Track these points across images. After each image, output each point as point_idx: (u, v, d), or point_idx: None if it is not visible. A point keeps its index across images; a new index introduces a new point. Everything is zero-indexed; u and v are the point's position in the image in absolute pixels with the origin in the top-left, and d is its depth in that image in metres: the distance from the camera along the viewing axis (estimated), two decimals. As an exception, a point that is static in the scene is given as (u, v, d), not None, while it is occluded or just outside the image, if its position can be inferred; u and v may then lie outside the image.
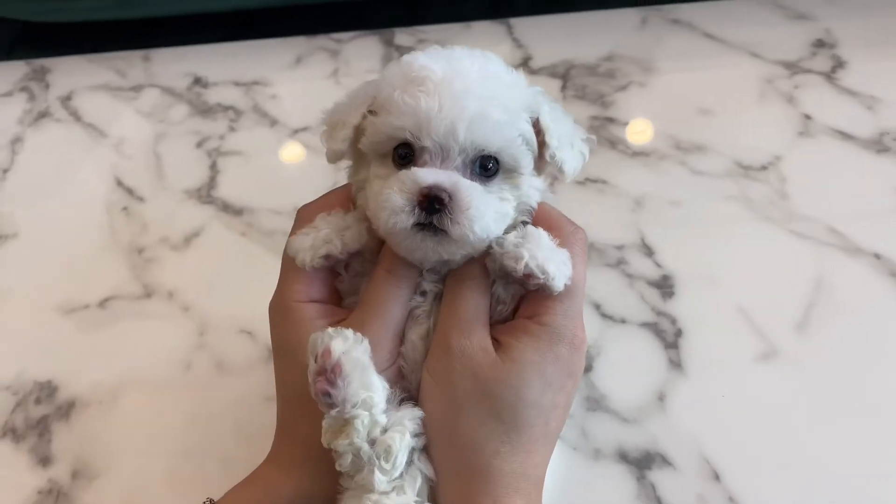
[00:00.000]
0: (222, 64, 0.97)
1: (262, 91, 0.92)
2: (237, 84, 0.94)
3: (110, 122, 0.92)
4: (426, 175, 0.43)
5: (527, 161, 0.46)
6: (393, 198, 0.43)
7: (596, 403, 0.61)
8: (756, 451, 0.57)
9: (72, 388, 0.67)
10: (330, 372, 0.42)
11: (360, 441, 0.43)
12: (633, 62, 0.88)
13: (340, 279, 0.50)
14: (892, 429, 0.58)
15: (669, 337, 0.64)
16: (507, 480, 0.44)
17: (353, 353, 0.42)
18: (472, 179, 0.44)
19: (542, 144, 0.46)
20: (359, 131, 0.47)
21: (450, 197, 0.42)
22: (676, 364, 0.63)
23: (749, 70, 0.85)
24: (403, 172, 0.44)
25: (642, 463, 0.58)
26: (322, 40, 0.97)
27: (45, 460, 0.63)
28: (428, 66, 0.44)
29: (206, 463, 0.61)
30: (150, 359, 0.69)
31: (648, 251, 0.70)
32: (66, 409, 0.66)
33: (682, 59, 0.88)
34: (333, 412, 0.42)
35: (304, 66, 0.95)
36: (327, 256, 0.48)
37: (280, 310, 0.50)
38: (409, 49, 0.94)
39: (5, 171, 0.88)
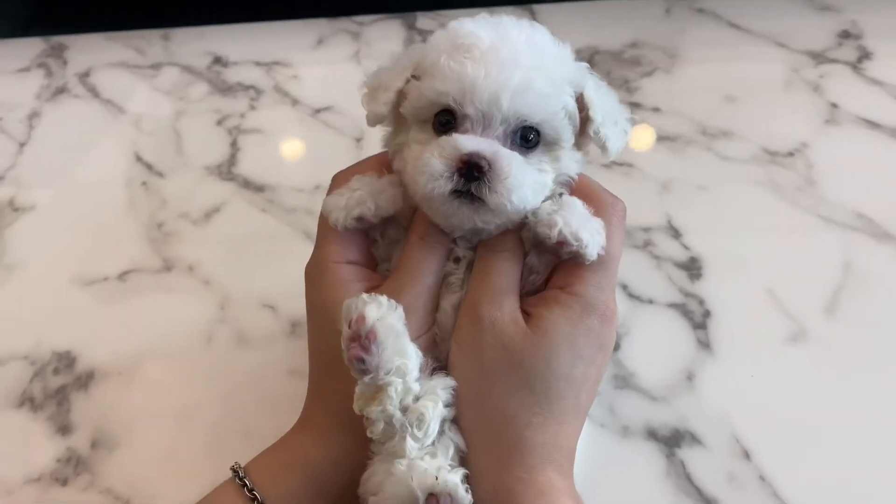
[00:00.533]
0: (243, 44, 0.96)
1: (284, 71, 0.92)
2: (258, 64, 0.94)
3: (129, 98, 0.92)
4: (467, 142, 0.43)
5: (568, 135, 0.46)
6: (432, 163, 0.43)
7: (624, 382, 0.61)
8: (786, 431, 0.57)
9: (91, 359, 0.67)
10: (364, 338, 0.41)
11: (393, 408, 0.42)
12: (658, 49, 0.88)
13: (376, 245, 0.50)
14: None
15: (697, 318, 0.64)
16: (540, 451, 0.44)
17: (387, 319, 0.42)
18: (512, 150, 0.44)
19: (584, 120, 0.46)
20: (401, 95, 0.46)
21: (489, 165, 0.42)
22: (705, 344, 0.63)
23: (775, 59, 0.85)
24: (444, 138, 0.44)
25: (671, 441, 0.57)
26: (344, 22, 0.97)
27: (63, 429, 0.63)
28: (475, 32, 0.44)
29: (226, 435, 0.61)
30: (171, 331, 0.68)
31: (676, 233, 0.70)
32: (86, 380, 0.66)
33: (707, 48, 0.88)
34: (367, 378, 0.42)
35: (325, 47, 0.95)
36: (360, 218, 0.47)
37: (317, 270, 0.50)
38: (430, 32, 0.94)
39: (22, 144, 0.88)
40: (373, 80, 0.48)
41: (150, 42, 0.99)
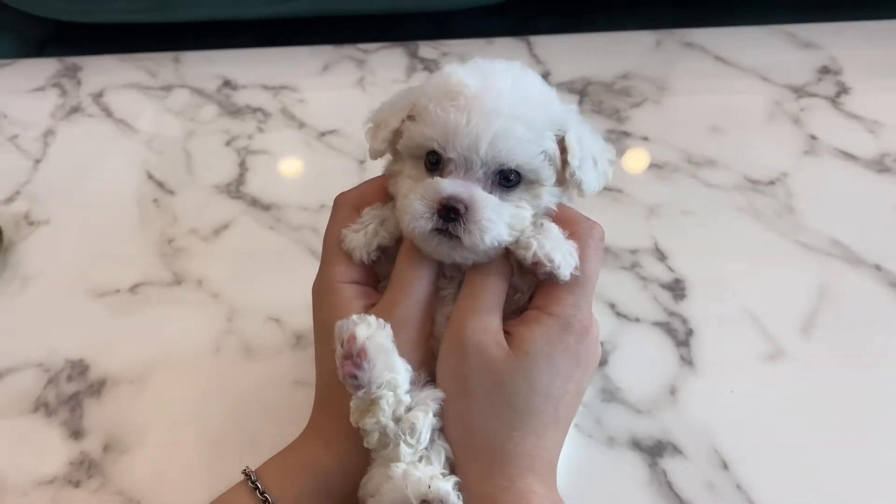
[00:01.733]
0: (251, 68, 1.00)
1: (290, 95, 0.96)
2: (266, 88, 0.97)
3: (141, 118, 0.95)
4: (446, 186, 0.47)
5: (548, 174, 0.49)
6: (415, 204, 0.47)
7: (611, 395, 0.64)
8: (762, 443, 0.60)
9: (103, 368, 0.69)
10: (356, 356, 0.45)
11: (386, 419, 0.46)
12: (648, 81, 0.92)
13: (380, 261, 0.53)
14: (887, 426, 0.61)
15: (681, 336, 0.68)
16: (520, 461, 0.47)
17: (376, 338, 0.46)
18: (493, 189, 0.48)
19: (565, 161, 0.49)
20: (397, 134, 0.51)
21: (466, 208, 0.46)
22: (687, 361, 0.66)
23: (758, 92, 0.89)
24: (427, 181, 0.48)
25: (654, 451, 0.60)
26: (349, 50, 1.01)
27: (76, 433, 0.65)
28: (463, 81, 0.48)
29: (233, 441, 0.63)
30: (180, 342, 0.71)
31: (661, 256, 0.74)
32: (98, 387, 0.68)
33: (694, 80, 0.92)
34: (360, 393, 0.46)
35: (331, 73, 0.99)
36: (380, 248, 0.52)
37: (323, 289, 0.53)
38: (432, 61, 0.98)
39: (37, 161, 0.90)
40: (376, 116, 0.53)
41: (161, 65, 1.02)
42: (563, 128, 0.49)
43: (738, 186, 0.79)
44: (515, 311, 0.51)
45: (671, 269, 0.73)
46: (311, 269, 0.75)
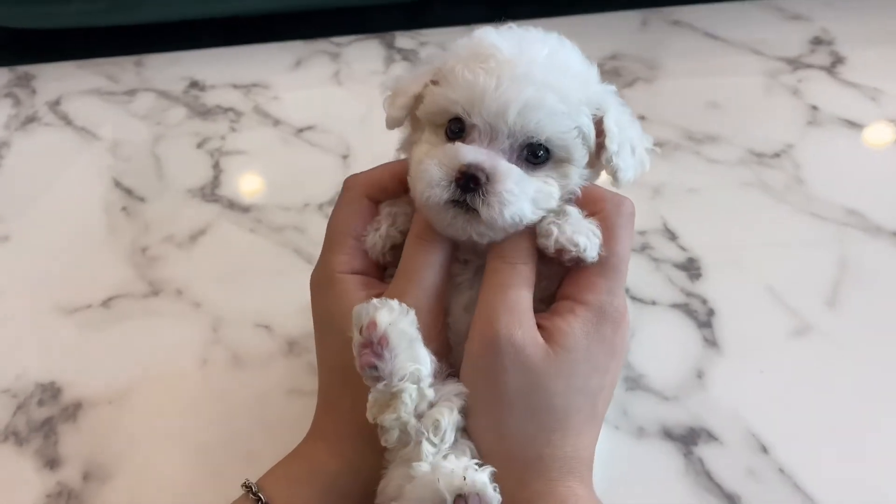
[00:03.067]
0: (219, 68, 0.95)
1: (263, 93, 0.91)
2: (236, 87, 0.92)
3: (103, 125, 0.90)
4: (467, 152, 0.43)
5: (580, 154, 0.45)
6: (432, 170, 0.43)
7: (634, 383, 0.61)
8: (801, 423, 0.57)
9: (77, 389, 0.64)
10: (376, 344, 0.40)
11: (408, 415, 0.41)
12: (638, 61, 0.89)
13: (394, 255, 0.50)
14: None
15: (702, 316, 0.64)
16: (560, 464, 0.44)
17: (399, 324, 0.41)
18: (518, 164, 0.44)
19: (600, 145, 0.45)
20: (418, 99, 0.46)
21: (487, 178, 0.42)
22: (712, 342, 0.63)
23: (752, 66, 0.87)
24: (447, 146, 0.44)
25: (688, 439, 0.57)
26: (322, 44, 0.97)
27: (52, 462, 0.60)
28: (496, 44, 0.44)
29: (227, 458, 0.59)
30: (162, 356, 0.66)
31: (672, 235, 0.71)
32: (73, 410, 0.63)
33: (685, 58, 0.90)
34: (380, 385, 0.41)
35: (304, 68, 0.95)
36: (394, 247, 0.49)
37: (323, 281, 0.49)
38: (410, 51, 0.94)
39: (-8, 175, 0.85)
40: (396, 84, 0.48)
41: (123, 69, 0.97)
42: (601, 108, 0.45)
43: (743, 161, 0.77)
44: (543, 300, 0.47)
45: (683, 249, 0.70)
46: (299, 270, 0.71)
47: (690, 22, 0.93)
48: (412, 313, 0.42)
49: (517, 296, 0.44)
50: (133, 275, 0.73)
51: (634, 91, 0.85)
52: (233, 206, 0.78)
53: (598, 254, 0.44)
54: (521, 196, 0.43)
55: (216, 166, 0.83)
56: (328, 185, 0.79)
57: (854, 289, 0.65)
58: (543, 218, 0.45)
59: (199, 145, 0.86)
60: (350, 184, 0.50)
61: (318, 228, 0.74)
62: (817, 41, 0.90)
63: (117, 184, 0.82)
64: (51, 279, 0.73)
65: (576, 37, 0.93)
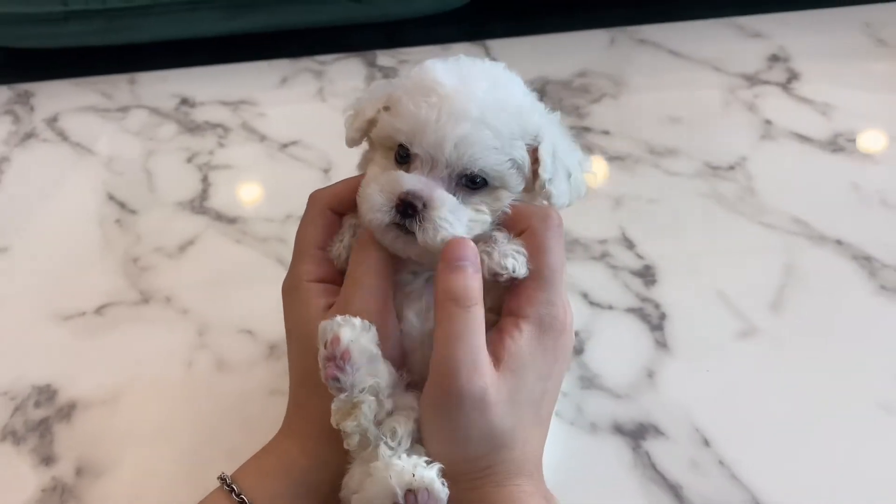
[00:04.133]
0: (208, 85, 0.99)
1: (250, 109, 0.95)
2: (224, 103, 0.96)
3: (98, 141, 0.94)
4: (407, 181, 0.46)
5: (515, 182, 0.48)
6: (374, 196, 0.47)
7: (589, 382, 0.64)
8: (741, 419, 0.61)
9: (72, 391, 0.68)
10: (339, 359, 0.44)
11: (367, 423, 0.45)
12: (605, 77, 0.93)
13: None
14: (855, 391, 0.63)
15: (654, 320, 0.68)
16: (508, 468, 0.46)
17: (361, 341, 0.45)
18: (456, 190, 0.47)
19: (536, 172, 0.48)
20: (372, 123, 0.50)
21: (424, 205, 0.46)
22: (662, 344, 0.67)
23: (712, 82, 0.91)
24: (390, 173, 0.47)
25: (637, 434, 0.61)
26: (306, 62, 1.01)
27: (47, 459, 0.63)
28: (439, 79, 0.47)
29: (211, 455, 0.62)
30: (151, 360, 0.70)
31: (630, 244, 0.75)
32: (67, 411, 0.66)
33: (649, 74, 0.94)
34: (342, 396, 0.45)
35: (289, 86, 0.99)
36: None
37: (290, 289, 0.52)
38: (390, 69, 0.99)
39: (-8, 188, 0.89)
40: (356, 106, 0.52)
41: (116, 86, 1.01)
42: (537, 138, 0.48)
43: (700, 173, 0.81)
44: (492, 309, 0.49)
45: (640, 257, 0.74)
46: (281, 279, 0.74)
47: (656, 40, 0.98)
48: (373, 330, 0.46)
49: (476, 343, 0.45)
50: (125, 283, 0.76)
51: (601, 106, 0.90)
52: (220, 217, 0.82)
53: (528, 268, 0.47)
54: (455, 223, 0.46)
55: (205, 180, 0.87)
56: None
57: (797, 293, 0.69)
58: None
59: (189, 160, 0.90)
60: (315, 198, 0.54)
61: None
62: (774, 58, 0.94)
63: (111, 197, 0.86)
64: (47, 287, 0.77)
65: (546, 55, 0.98)
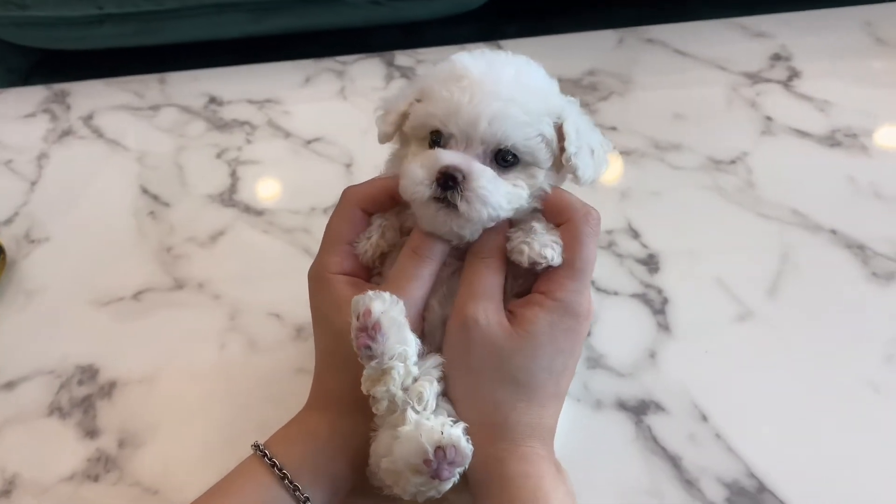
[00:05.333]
0: (235, 85, 1.03)
1: (275, 108, 1.00)
2: (251, 102, 1.01)
3: (131, 137, 0.98)
4: (445, 155, 0.50)
5: (544, 157, 0.51)
6: (416, 171, 0.50)
7: (595, 362, 0.68)
8: (738, 396, 0.65)
9: (112, 371, 0.72)
10: (371, 329, 0.48)
11: (396, 388, 0.49)
12: (613, 76, 0.97)
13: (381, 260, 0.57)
14: (846, 371, 0.66)
15: (657, 305, 0.72)
16: (524, 429, 0.51)
17: (390, 312, 0.49)
18: (490, 166, 0.51)
19: (562, 148, 0.51)
20: (405, 117, 0.54)
21: (463, 177, 0.49)
22: (664, 327, 0.71)
23: (716, 81, 0.95)
24: (428, 152, 0.51)
25: (639, 410, 0.65)
26: (328, 62, 1.05)
27: (91, 433, 0.68)
28: (468, 66, 0.51)
29: (242, 428, 0.66)
30: (186, 342, 0.74)
31: (635, 234, 0.79)
32: (109, 389, 0.71)
33: (656, 73, 0.97)
34: (373, 363, 0.49)
35: (312, 85, 1.03)
36: (382, 255, 0.56)
37: (316, 278, 0.56)
38: (408, 69, 1.03)
39: (33, 183, 0.93)
40: (386, 104, 0.56)
41: (147, 86, 1.05)
42: (561, 116, 0.52)
43: (703, 167, 0.85)
44: (519, 295, 0.54)
45: (645, 246, 0.77)
46: (306, 266, 0.77)
47: (663, 40, 1.01)
48: (401, 303, 0.50)
49: (484, 284, 0.52)
50: (160, 271, 0.81)
51: (609, 104, 0.94)
52: (248, 210, 0.87)
53: (562, 259, 0.51)
54: (495, 192, 0.50)
55: (233, 174, 0.91)
56: (333, 191, 0.84)
57: (793, 280, 0.73)
58: (514, 235, 0.52)
59: (218, 155, 0.94)
60: (347, 195, 0.57)
61: (322, 230, 0.83)
62: (776, 57, 0.97)
63: (144, 190, 0.90)
64: (88, 275, 0.81)
65: (557, 54, 1.02)
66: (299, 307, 0.73)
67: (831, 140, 0.86)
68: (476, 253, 0.53)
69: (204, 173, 0.92)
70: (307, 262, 0.79)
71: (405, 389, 0.49)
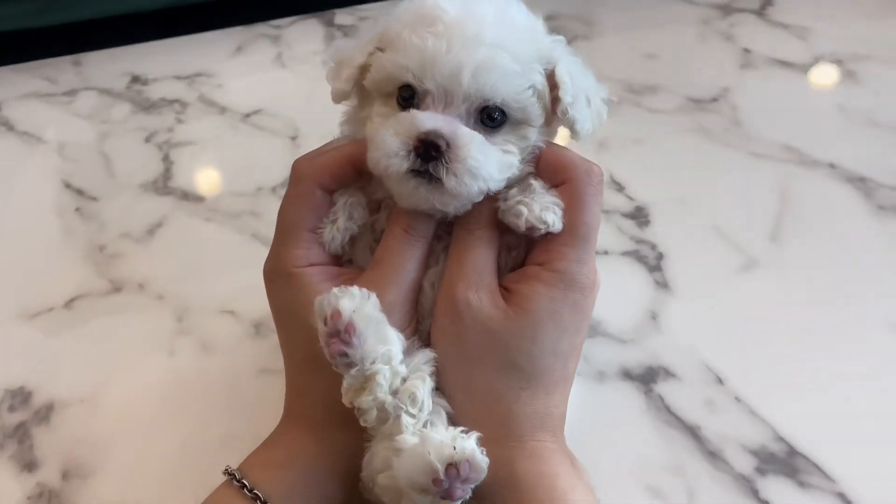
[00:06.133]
0: (159, 60, 0.95)
1: (207, 82, 0.92)
2: (178, 78, 0.93)
3: (47, 128, 0.89)
4: (425, 119, 0.41)
5: (537, 113, 0.44)
6: (388, 140, 0.42)
7: (593, 330, 0.63)
8: (752, 352, 0.60)
9: (48, 392, 0.64)
10: (344, 332, 0.40)
11: (384, 394, 0.42)
12: (576, 19, 0.91)
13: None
14: (862, 313, 0.62)
15: (652, 261, 0.67)
16: (531, 420, 0.45)
17: (364, 310, 0.41)
18: (475, 128, 0.43)
19: (554, 99, 0.44)
20: (363, 70, 0.45)
21: (448, 145, 0.41)
22: (663, 285, 0.65)
23: (685, 16, 0.90)
24: (402, 114, 0.43)
25: (647, 378, 0.60)
26: (261, 27, 0.97)
27: (29, 465, 0.60)
28: (441, 5, 0.42)
29: (206, 442, 0.60)
30: (130, 351, 0.67)
31: (619, 187, 0.73)
32: (45, 413, 0.63)
33: (621, 12, 0.92)
34: (353, 371, 0.41)
35: (245, 54, 0.95)
36: (352, 238, 0.48)
37: (279, 277, 0.48)
38: (351, 27, 0.95)
39: (-65, 187, 0.84)
40: (337, 55, 0.47)
41: (60, 70, 0.96)
42: (551, 61, 0.44)
43: (683, 108, 0.79)
44: (514, 268, 0.47)
45: (631, 198, 0.72)
46: (259, 254, 0.70)
47: (623, -24, 0.95)
48: (373, 296, 0.42)
49: (475, 260, 0.45)
50: (93, 273, 0.73)
51: (576, 49, 0.84)
52: (187, 196, 0.79)
53: (563, 223, 0.44)
54: (486, 162, 0.42)
55: (166, 159, 0.83)
56: (279, 167, 0.79)
57: (795, 221, 0.68)
58: (509, 194, 0.45)
59: (147, 139, 0.86)
60: (300, 172, 0.48)
61: (273, 212, 0.73)
62: (746, -15, 0.93)
63: (67, 185, 0.82)
64: (11, 285, 0.73)
65: (512, 0, 0.94)
66: (254, 301, 0.67)
67: (816, 68, 0.81)
68: (463, 224, 0.46)
69: (133, 161, 0.84)
70: (258, 250, 0.72)
71: (394, 393, 0.42)
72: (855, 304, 0.62)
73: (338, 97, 0.47)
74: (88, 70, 0.96)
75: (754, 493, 0.53)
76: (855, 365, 0.59)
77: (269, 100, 0.87)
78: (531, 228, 0.44)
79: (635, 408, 0.58)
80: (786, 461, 0.54)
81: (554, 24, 0.89)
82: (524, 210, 0.43)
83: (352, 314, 0.40)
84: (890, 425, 0.56)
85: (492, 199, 0.45)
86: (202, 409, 0.62)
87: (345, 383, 0.42)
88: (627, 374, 0.60)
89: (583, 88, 0.45)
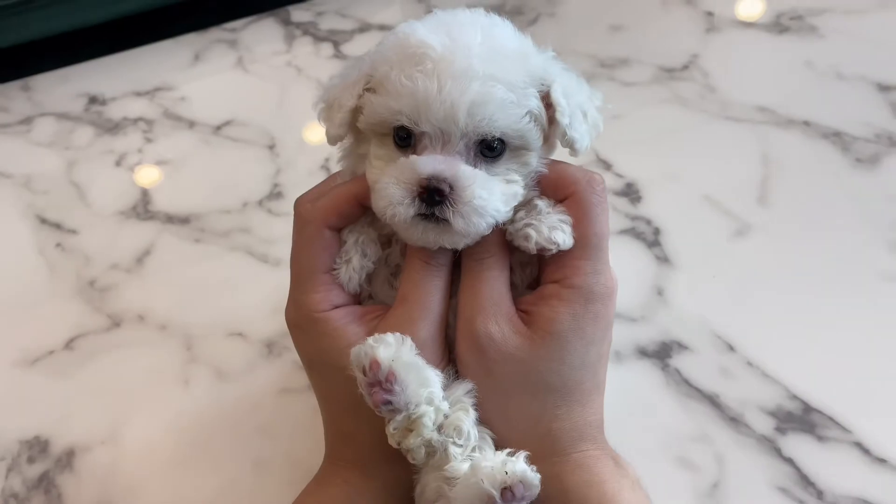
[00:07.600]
0: (114, 77, 0.92)
1: (168, 95, 0.88)
2: (138, 94, 0.89)
3: (8, 161, 0.85)
4: (425, 164, 0.41)
5: (536, 138, 0.44)
6: (391, 189, 0.42)
7: (603, 312, 0.64)
8: (758, 316, 0.62)
9: (65, 438, 0.63)
10: (385, 381, 0.41)
11: (430, 433, 0.43)
12: (537, -3, 0.90)
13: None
14: (855, 265, 0.64)
15: (649, 237, 0.68)
16: (571, 434, 0.46)
17: (402, 357, 0.42)
18: (475, 162, 0.43)
19: (552, 119, 0.44)
20: (356, 111, 0.45)
21: (451, 187, 0.41)
22: (663, 259, 0.67)
23: (645, -18, 0.90)
24: (402, 161, 0.43)
25: (661, 353, 0.61)
26: (216, 32, 0.94)
27: None
28: (426, 41, 0.42)
29: (236, 469, 0.60)
30: (142, 385, 0.66)
31: (606, 165, 0.74)
32: (67, 460, 0.62)
33: (581, -16, 0.91)
34: (399, 417, 0.42)
35: (203, 62, 0.92)
36: (368, 275, 0.48)
37: (305, 324, 0.48)
38: (310, 24, 0.92)
39: None
40: (327, 94, 0.47)
41: (9, 97, 0.92)
42: (545, 81, 0.44)
43: (656, 79, 0.80)
44: (530, 286, 0.48)
45: (620, 176, 0.73)
46: (256, 271, 0.71)
47: (577, -53, 0.95)
48: (409, 340, 0.42)
49: (489, 290, 0.45)
50: (88, 310, 0.71)
51: (539, 27, 0.87)
52: (171, 219, 0.77)
53: (573, 239, 0.45)
54: (491, 198, 0.42)
55: (141, 182, 0.81)
56: (262, 179, 0.78)
57: (780, 182, 0.70)
58: (516, 216, 0.45)
59: (118, 163, 0.83)
60: (305, 214, 0.48)
61: (263, 225, 0.75)
62: (700, -54, 0.93)
63: (43, 220, 0.79)
64: (3, 333, 0.71)
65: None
66: (262, 320, 0.68)
67: (779, 26, 0.83)
68: (472, 255, 0.46)
69: (106, 187, 0.81)
70: (255, 266, 0.71)
71: (439, 428, 0.43)
72: (846, 257, 0.64)
73: (333, 141, 0.47)
74: (40, 94, 0.91)
75: (777, 451, 0.55)
76: (856, 318, 0.61)
77: (237, 109, 0.85)
78: (542, 250, 0.44)
79: (654, 384, 0.60)
80: (802, 418, 0.57)
81: (515, 2, 0.89)
82: (533, 233, 0.44)
83: (391, 363, 0.41)
84: (893, 370, 0.58)
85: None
86: (227, 436, 0.62)
87: (390, 427, 0.43)
88: (643, 352, 0.61)
89: (578, 104, 0.45)
